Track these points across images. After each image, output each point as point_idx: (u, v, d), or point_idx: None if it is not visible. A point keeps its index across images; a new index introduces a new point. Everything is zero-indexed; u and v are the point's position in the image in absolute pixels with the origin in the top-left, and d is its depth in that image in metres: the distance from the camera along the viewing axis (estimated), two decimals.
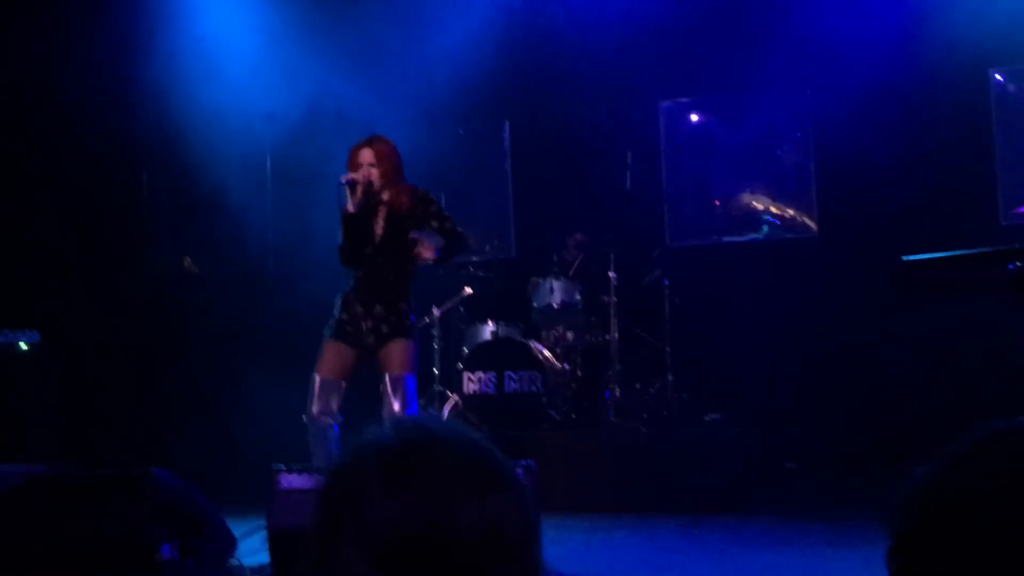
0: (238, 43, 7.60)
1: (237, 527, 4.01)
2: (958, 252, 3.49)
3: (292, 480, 3.47)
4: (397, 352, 4.31)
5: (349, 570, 0.87)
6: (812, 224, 7.34)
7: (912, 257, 3.69)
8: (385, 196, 4.41)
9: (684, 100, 7.66)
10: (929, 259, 3.62)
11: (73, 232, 7.48)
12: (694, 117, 7.69)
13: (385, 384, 4.30)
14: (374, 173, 4.37)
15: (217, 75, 7.39)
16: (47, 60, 7.11)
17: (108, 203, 7.82)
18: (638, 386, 6.59)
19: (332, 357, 4.34)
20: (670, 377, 6.49)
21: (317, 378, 4.33)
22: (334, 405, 4.34)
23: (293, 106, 7.59)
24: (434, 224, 4.43)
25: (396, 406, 4.26)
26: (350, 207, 4.33)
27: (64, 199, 7.42)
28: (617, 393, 6.38)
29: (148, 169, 8.28)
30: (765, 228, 7.48)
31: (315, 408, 4.31)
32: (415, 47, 7.56)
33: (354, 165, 4.39)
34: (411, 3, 7.66)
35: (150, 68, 7.30)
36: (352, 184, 4.33)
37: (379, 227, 4.37)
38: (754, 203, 7.62)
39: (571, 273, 6.84)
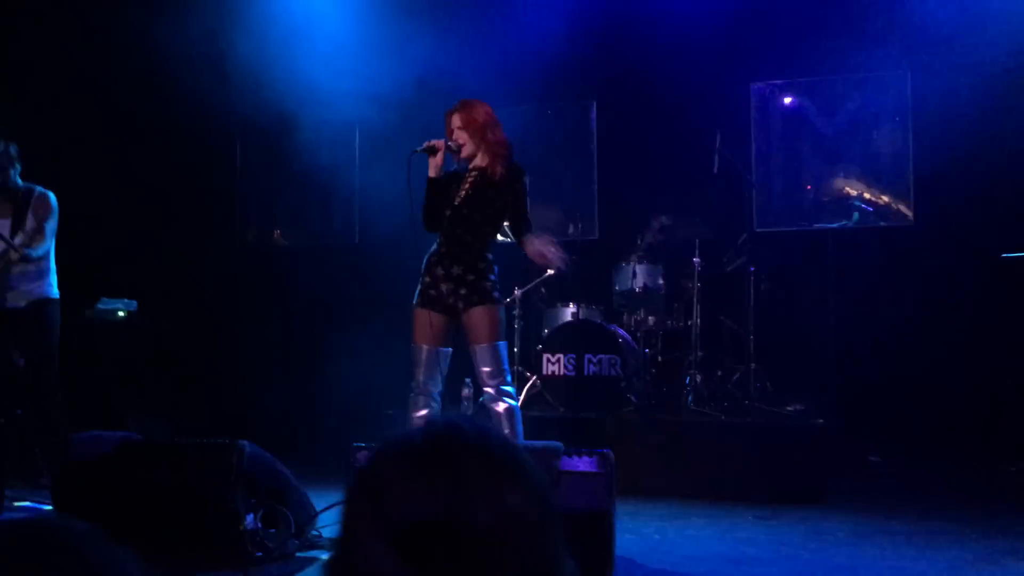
0: (330, 18, 7.70)
1: (318, 500, 4.12)
2: None
3: None
4: (481, 321, 4.24)
5: (371, 560, 0.90)
6: (908, 212, 7.11)
7: (1012, 255, 3.55)
8: (480, 161, 4.36)
9: (777, 82, 7.48)
10: None
11: (168, 203, 7.72)
12: (787, 99, 7.51)
13: (474, 355, 4.28)
14: (463, 136, 4.35)
15: (310, 49, 7.50)
16: (143, 32, 7.31)
17: (202, 175, 8.06)
18: (720, 373, 6.52)
19: (423, 325, 4.32)
20: (753, 365, 6.39)
21: (415, 347, 4.34)
22: (437, 373, 4.33)
23: (382, 82, 7.67)
24: (509, 199, 4.36)
25: (487, 376, 4.25)
26: (431, 172, 4.34)
27: (159, 171, 7.66)
28: (698, 380, 6.32)
29: (241, 142, 8.50)
30: (856, 215, 7.27)
31: (419, 377, 4.32)
32: (504, 26, 7.55)
33: (448, 131, 4.39)
34: None
35: (245, 41, 7.45)
36: (431, 150, 4.34)
37: (464, 190, 4.34)
38: (847, 188, 7.41)
39: (654, 256, 6.78)
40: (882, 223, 7.22)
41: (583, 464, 3.42)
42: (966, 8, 6.61)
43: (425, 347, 4.32)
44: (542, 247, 4.34)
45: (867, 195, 7.34)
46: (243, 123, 8.34)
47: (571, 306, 6.67)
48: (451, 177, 4.44)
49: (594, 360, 6.25)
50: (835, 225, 7.29)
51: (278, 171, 8.46)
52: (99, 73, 7.51)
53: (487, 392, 4.29)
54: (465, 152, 4.36)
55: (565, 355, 6.29)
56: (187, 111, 7.73)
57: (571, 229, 7.35)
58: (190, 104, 7.71)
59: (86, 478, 3.68)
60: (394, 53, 7.65)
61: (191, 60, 7.55)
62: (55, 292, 5.33)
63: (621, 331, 6.51)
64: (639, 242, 6.93)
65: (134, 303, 6.35)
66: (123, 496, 3.58)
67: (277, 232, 8.67)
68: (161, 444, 3.81)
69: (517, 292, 6.83)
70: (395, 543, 0.89)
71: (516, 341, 6.75)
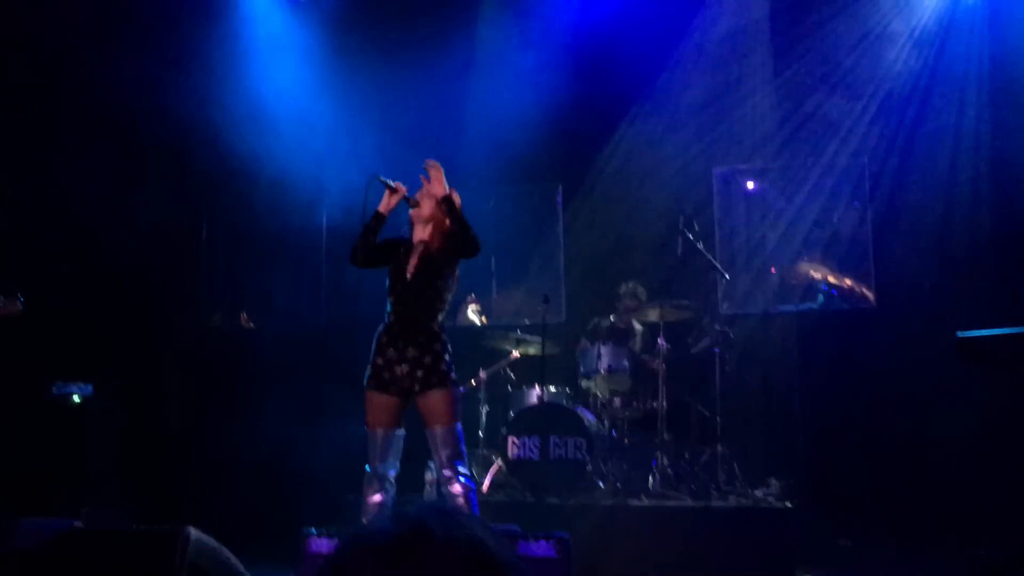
0: (298, 100, 7.77)
1: None
2: (1013, 329, 3.37)
3: (321, 544, 3.43)
4: (439, 403, 4.19)
5: None
6: (870, 294, 7.18)
7: (967, 333, 3.57)
8: (425, 235, 4.38)
9: (740, 167, 7.60)
10: (984, 336, 3.50)
11: (132, 286, 7.64)
12: (750, 184, 7.63)
13: (432, 437, 4.22)
14: (428, 203, 4.34)
15: (278, 131, 7.54)
16: (107, 110, 7.33)
17: (168, 257, 7.99)
18: (687, 455, 6.45)
19: (376, 408, 4.26)
20: (720, 447, 6.33)
21: (370, 432, 4.28)
22: (391, 455, 4.28)
23: (350, 164, 7.72)
24: (438, 254, 4.33)
25: (445, 459, 4.19)
26: (382, 207, 4.35)
27: (124, 253, 7.59)
28: (664, 462, 6.24)
29: (208, 224, 8.47)
30: (821, 297, 7.33)
31: (375, 461, 4.25)
32: (472, 111, 7.66)
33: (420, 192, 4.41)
34: (471, 69, 7.79)
35: (213, 123, 7.49)
36: (392, 188, 4.33)
37: (412, 265, 4.33)
38: (812, 272, 7.49)
39: (620, 338, 6.78)
40: (845, 306, 7.27)
41: (540, 549, 3.34)
42: (920, 95, 6.80)
43: (380, 431, 4.25)
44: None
45: (831, 279, 7.42)
46: (209, 205, 8.34)
47: (537, 388, 6.62)
48: (396, 244, 4.41)
49: (560, 443, 6.17)
50: (800, 307, 7.34)
51: (245, 253, 8.43)
52: (63, 149, 7.50)
53: (444, 473, 4.22)
54: (420, 212, 4.34)
55: (530, 437, 6.21)
56: (153, 192, 7.71)
57: (538, 311, 7.32)
58: (156, 185, 7.70)
59: (26, 567, 3.53)
60: (363, 136, 7.74)
61: (157, 139, 7.58)
62: None
63: (587, 413, 6.45)
64: (604, 324, 6.93)
65: (90, 387, 6.22)
66: None
67: (244, 315, 8.59)
68: (104, 532, 3.67)
69: (483, 374, 6.78)
70: None
71: (482, 423, 6.66)
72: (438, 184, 4.30)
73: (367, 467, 4.28)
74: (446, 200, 4.29)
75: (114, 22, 7.42)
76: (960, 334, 3.53)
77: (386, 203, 4.38)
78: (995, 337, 3.45)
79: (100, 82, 7.45)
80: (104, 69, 7.41)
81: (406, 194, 4.39)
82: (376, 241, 4.38)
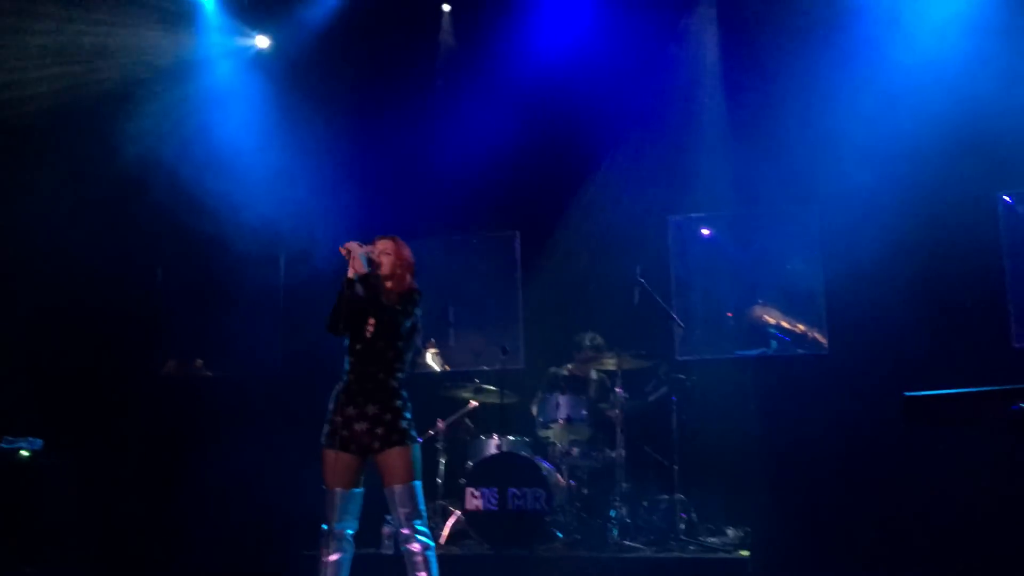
0: (257, 147, 7.76)
1: None
2: (962, 390, 3.43)
3: None
4: (398, 461, 4.17)
5: None
6: (823, 340, 7.28)
7: (914, 393, 3.62)
8: (384, 297, 4.36)
9: (694, 215, 7.71)
10: (931, 395, 3.55)
11: (83, 333, 7.52)
12: (704, 231, 7.74)
13: (390, 495, 4.20)
14: (388, 261, 4.37)
15: (233, 179, 7.52)
16: (66, 154, 7.25)
17: (121, 304, 7.88)
18: (645, 504, 6.46)
19: (335, 468, 4.20)
20: (678, 495, 6.37)
21: (327, 491, 4.24)
22: (350, 515, 4.24)
23: (308, 211, 7.71)
24: (397, 307, 4.30)
25: (404, 517, 4.17)
26: (350, 272, 4.31)
27: (76, 300, 7.48)
28: (623, 512, 6.25)
29: (163, 270, 8.39)
30: (774, 343, 7.43)
31: (332, 520, 4.20)
32: (430, 160, 7.71)
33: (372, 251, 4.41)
34: (428, 119, 7.86)
35: (169, 167, 7.45)
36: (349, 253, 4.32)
37: (371, 324, 4.31)
38: (766, 316, 7.59)
39: (577, 387, 6.81)
40: (799, 351, 7.37)
41: None
42: (867, 144, 6.94)
43: (339, 490, 4.21)
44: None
45: (784, 323, 7.52)
46: (164, 250, 8.27)
47: (495, 438, 6.61)
48: (360, 302, 4.38)
49: (518, 493, 6.15)
50: (755, 352, 7.43)
51: (200, 299, 8.36)
52: (11, 191, 7.40)
53: (403, 533, 4.19)
54: (382, 271, 4.36)
55: (489, 488, 6.18)
56: (106, 238, 7.62)
57: (497, 360, 7.33)
58: (109, 231, 7.61)
59: None
60: (322, 185, 7.74)
61: (114, 184, 7.51)
62: None
63: (546, 463, 6.44)
64: (562, 373, 6.96)
65: (39, 442, 6.09)
66: None
67: (199, 361, 8.50)
68: None
69: (441, 424, 6.76)
70: None
71: (440, 473, 6.63)
72: (355, 265, 4.30)
73: (324, 526, 4.24)
74: (359, 279, 4.29)
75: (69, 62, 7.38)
76: (908, 394, 3.58)
77: (353, 268, 4.36)
78: (942, 397, 3.51)
79: (54, 121, 7.39)
80: (59, 108, 7.36)
81: (368, 256, 4.37)
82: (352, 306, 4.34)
